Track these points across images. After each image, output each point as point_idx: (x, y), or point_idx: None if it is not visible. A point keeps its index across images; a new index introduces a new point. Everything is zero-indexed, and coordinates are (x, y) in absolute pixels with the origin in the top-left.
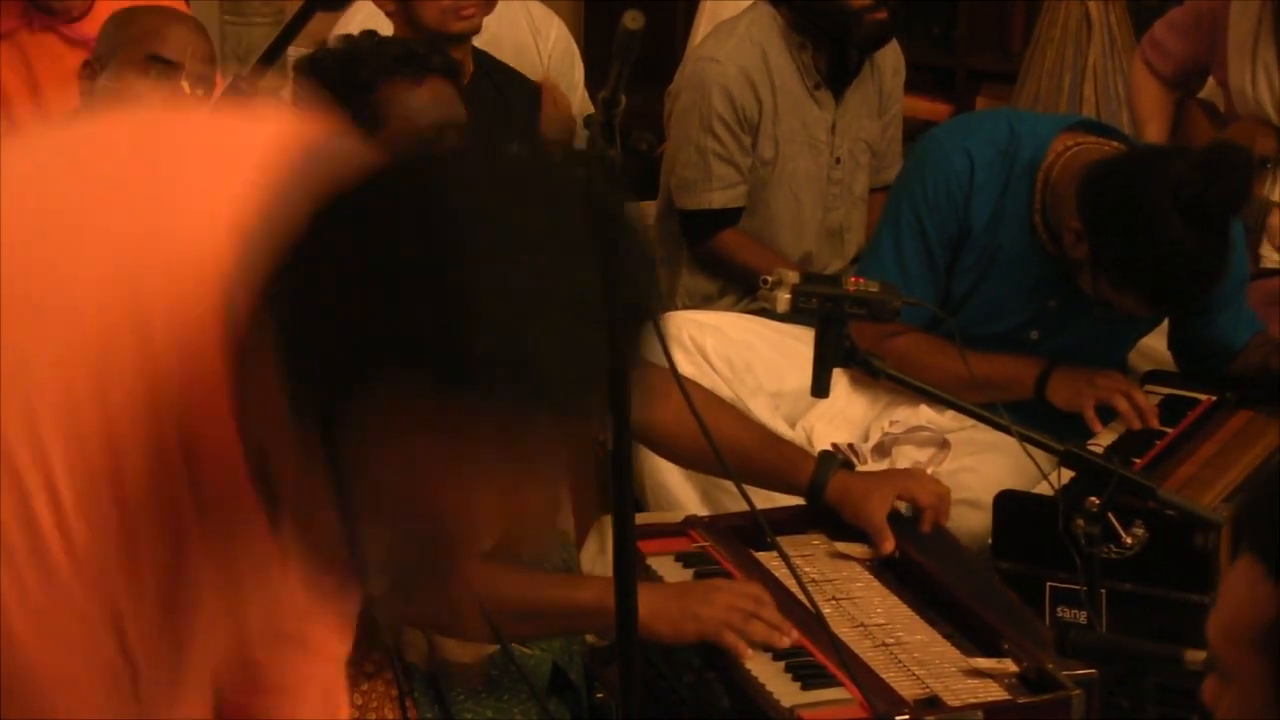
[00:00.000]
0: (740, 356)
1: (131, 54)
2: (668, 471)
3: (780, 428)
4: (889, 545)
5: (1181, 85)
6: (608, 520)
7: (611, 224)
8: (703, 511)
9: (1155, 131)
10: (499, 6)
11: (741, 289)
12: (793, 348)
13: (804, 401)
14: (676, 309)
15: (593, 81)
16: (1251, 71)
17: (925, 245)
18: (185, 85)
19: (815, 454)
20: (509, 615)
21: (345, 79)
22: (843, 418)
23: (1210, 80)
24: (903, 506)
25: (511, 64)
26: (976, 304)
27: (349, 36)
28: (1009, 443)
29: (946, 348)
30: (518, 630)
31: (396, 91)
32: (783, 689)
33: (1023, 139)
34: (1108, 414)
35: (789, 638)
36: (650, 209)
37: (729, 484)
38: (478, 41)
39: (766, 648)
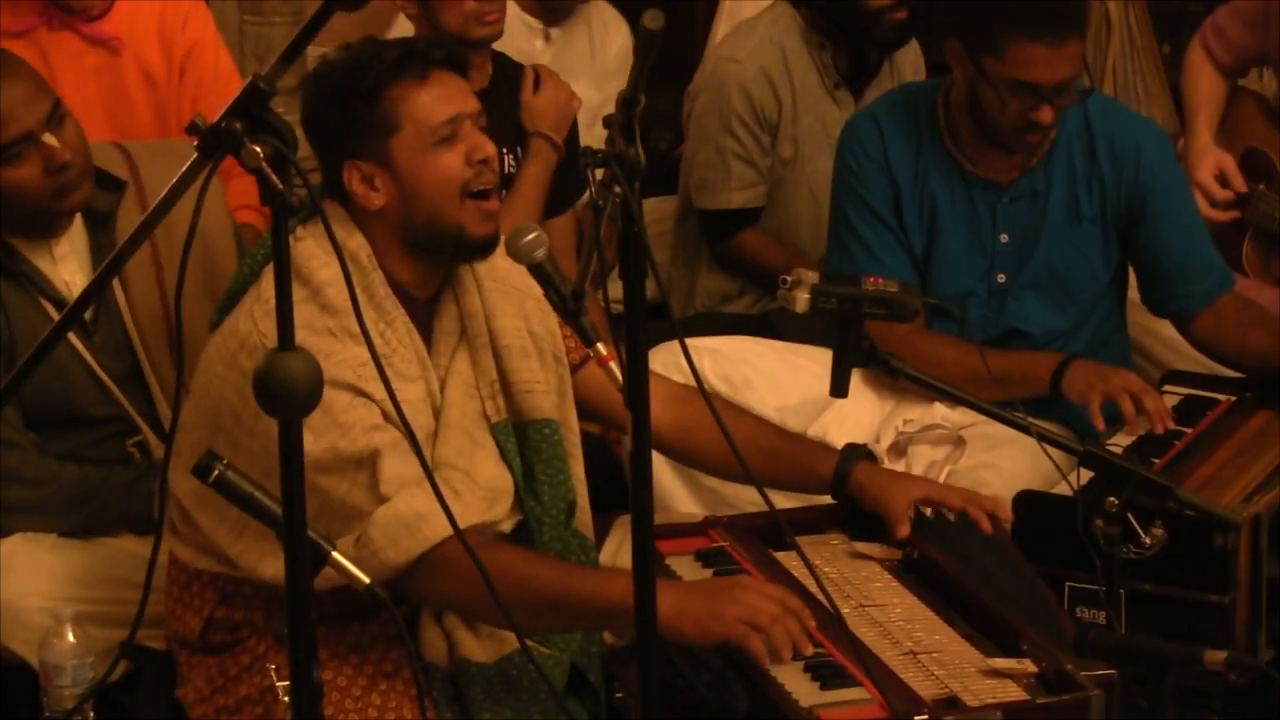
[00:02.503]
0: (739, 373)
1: None
2: (660, 468)
3: None
4: (904, 530)
5: (1238, 74)
6: (626, 520)
7: None
8: (694, 508)
9: (1205, 120)
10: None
11: (760, 289)
12: (794, 362)
13: (810, 414)
14: (695, 309)
15: None
16: None
17: (874, 215)
18: (50, 140)
19: (838, 447)
20: (534, 605)
21: (350, 90)
22: (852, 422)
23: (1252, 72)
24: (927, 511)
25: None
26: (938, 262)
27: (348, 45)
28: (1025, 436)
29: (960, 344)
30: (542, 622)
31: (403, 94)
32: (802, 689)
33: (921, 89)
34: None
35: (809, 648)
36: (669, 207)
37: (721, 480)
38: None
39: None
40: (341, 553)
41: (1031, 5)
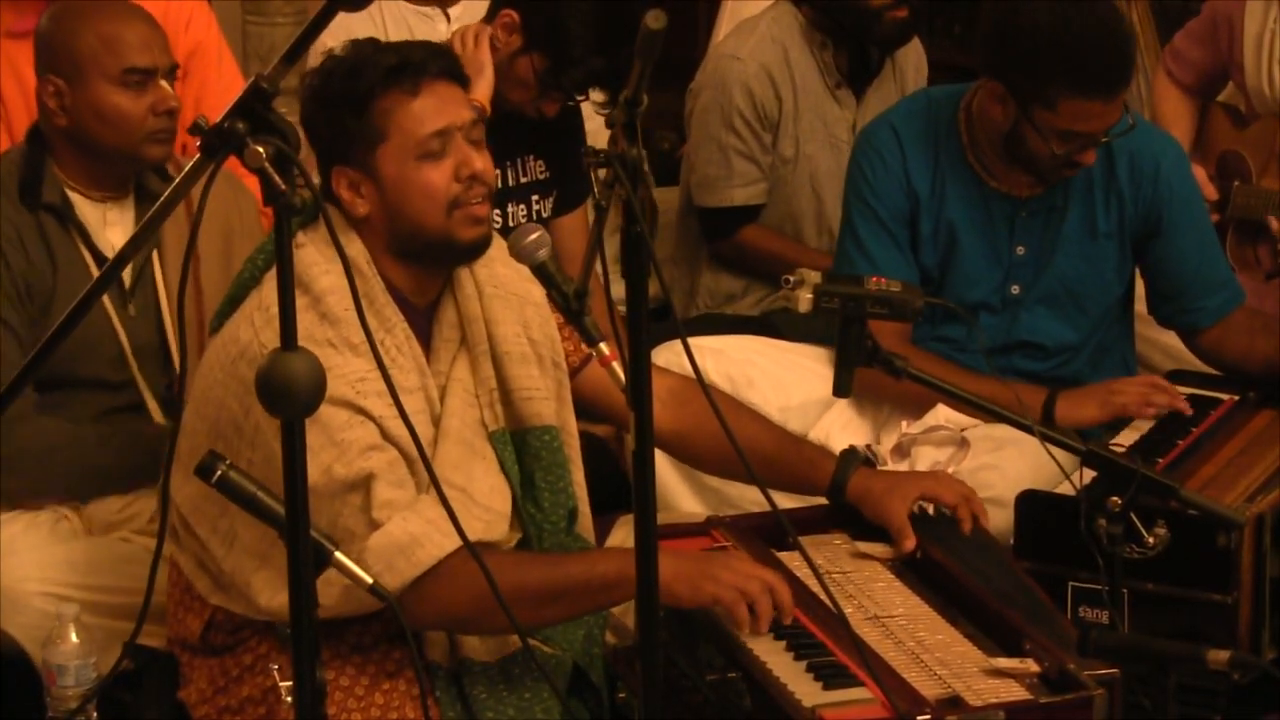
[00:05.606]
0: (742, 373)
1: (105, 69)
2: (663, 468)
3: None
4: (910, 544)
5: (1202, 93)
6: (628, 520)
7: None
8: (697, 507)
9: (1178, 138)
10: None
11: (763, 285)
12: (797, 362)
13: (811, 415)
14: (697, 309)
15: None
16: (1268, 69)
17: (883, 228)
18: (165, 85)
19: (836, 452)
20: (534, 600)
21: (343, 96)
22: (854, 425)
23: (1231, 84)
24: (930, 508)
25: None
26: (954, 272)
27: (355, 42)
28: (1028, 437)
29: (945, 365)
30: (545, 614)
31: (394, 105)
32: (804, 688)
33: (941, 98)
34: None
35: (789, 617)
36: (674, 198)
37: (722, 479)
38: None
39: (782, 640)
40: (334, 580)
41: (1087, 63)
